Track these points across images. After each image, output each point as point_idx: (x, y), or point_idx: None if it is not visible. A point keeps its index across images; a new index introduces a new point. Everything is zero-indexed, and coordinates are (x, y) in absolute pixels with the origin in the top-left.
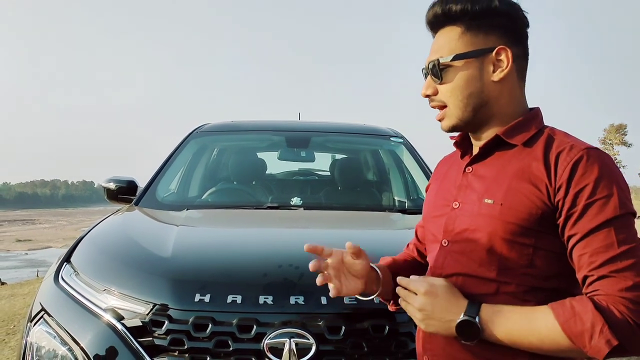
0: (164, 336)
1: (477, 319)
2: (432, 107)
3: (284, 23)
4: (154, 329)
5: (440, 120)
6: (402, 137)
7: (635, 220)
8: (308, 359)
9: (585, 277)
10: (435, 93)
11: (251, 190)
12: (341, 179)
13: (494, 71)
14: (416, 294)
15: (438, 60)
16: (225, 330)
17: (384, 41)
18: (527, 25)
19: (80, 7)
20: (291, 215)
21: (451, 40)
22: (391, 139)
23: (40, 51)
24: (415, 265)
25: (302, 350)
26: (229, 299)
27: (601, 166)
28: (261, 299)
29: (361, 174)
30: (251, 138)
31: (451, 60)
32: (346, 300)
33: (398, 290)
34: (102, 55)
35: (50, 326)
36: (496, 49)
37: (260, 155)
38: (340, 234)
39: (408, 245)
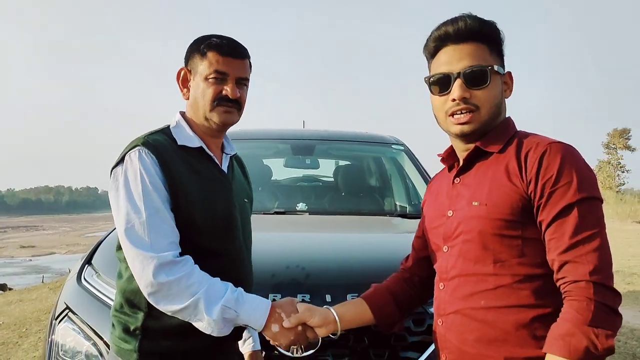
0: None
1: None
2: (461, 110)
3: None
4: None
5: (465, 123)
6: (402, 144)
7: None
8: (314, 351)
9: (552, 261)
10: (469, 97)
11: (258, 196)
12: (344, 184)
13: (505, 90)
14: None
15: (492, 66)
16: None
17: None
18: None
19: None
20: (297, 220)
21: (484, 54)
22: (392, 146)
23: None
24: (397, 291)
25: (308, 344)
26: None
27: (563, 157)
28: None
29: (363, 179)
30: (258, 146)
31: (496, 70)
32: (349, 298)
33: None
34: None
35: (75, 323)
36: (507, 72)
37: (265, 161)
38: (343, 237)
39: (407, 258)
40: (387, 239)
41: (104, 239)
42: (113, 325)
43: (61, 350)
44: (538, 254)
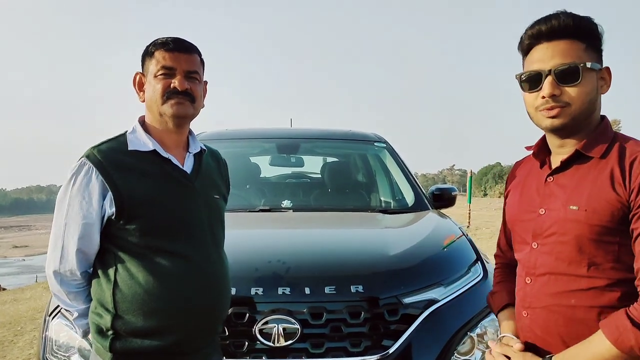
0: None
1: None
2: (551, 107)
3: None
4: None
5: (554, 117)
6: (385, 141)
7: None
8: (294, 341)
9: (638, 269)
10: (559, 94)
11: (245, 194)
12: (330, 181)
13: (601, 85)
14: None
15: (584, 63)
16: None
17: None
18: None
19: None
20: (281, 217)
21: (578, 51)
22: (375, 143)
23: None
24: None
25: (288, 334)
26: None
27: None
28: (253, 290)
29: (347, 176)
30: (245, 145)
31: (590, 67)
32: (326, 291)
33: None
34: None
35: (68, 319)
36: (605, 67)
37: (254, 159)
38: (323, 233)
39: (501, 250)
40: (365, 234)
41: None
42: (90, 325)
43: (55, 345)
44: (634, 259)
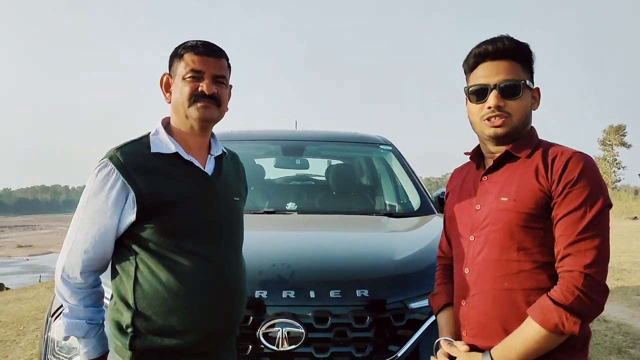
0: None
1: None
2: (496, 116)
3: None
4: None
5: (499, 127)
6: (390, 144)
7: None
8: (298, 345)
9: (558, 252)
10: (503, 106)
11: (250, 196)
12: (334, 184)
13: (532, 103)
14: None
15: (525, 80)
16: None
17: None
18: None
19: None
20: (285, 219)
21: (518, 70)
22: (380, 146)
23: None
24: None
25: (293, 338)
26: None
27: (584, 165)
28: (257, 294)
29: (352, 179)
30: (249, 147)
31: (528, 84)
32: (332, 295)
33: None
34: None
35: None
36: (535, 88)
37: (258, 161)
38: (328, 236)
39: (441, 250)
40: (371, 237)
41: None
42: (110, 322)
43: (57, 346)
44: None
